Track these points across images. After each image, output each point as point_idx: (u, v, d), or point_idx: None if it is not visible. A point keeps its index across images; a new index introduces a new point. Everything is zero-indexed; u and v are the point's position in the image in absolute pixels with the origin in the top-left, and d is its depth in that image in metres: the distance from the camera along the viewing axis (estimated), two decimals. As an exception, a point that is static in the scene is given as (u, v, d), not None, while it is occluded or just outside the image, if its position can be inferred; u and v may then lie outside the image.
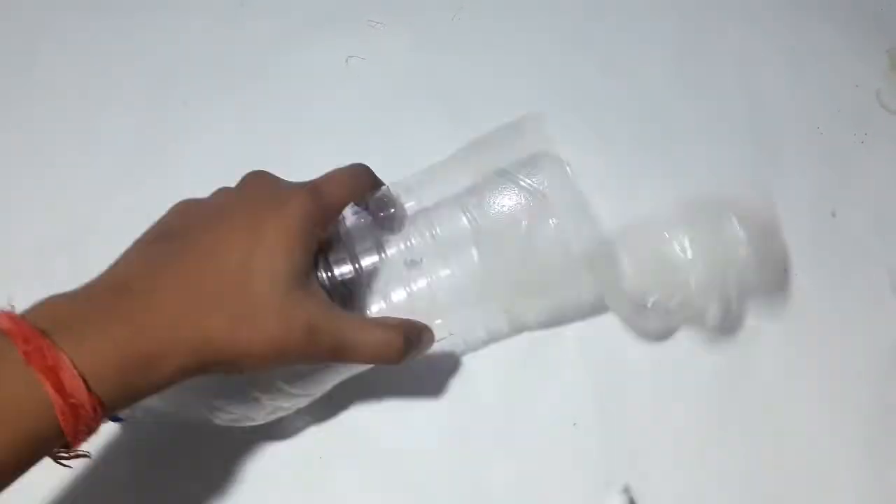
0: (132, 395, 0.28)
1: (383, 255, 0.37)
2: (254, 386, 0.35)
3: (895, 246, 0.47)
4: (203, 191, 0.47)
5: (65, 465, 0.28)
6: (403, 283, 0.37)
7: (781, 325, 0.45)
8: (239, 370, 0.30)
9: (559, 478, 0.41)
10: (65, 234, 0.47)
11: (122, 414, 0.37)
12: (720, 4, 0.53)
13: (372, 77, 0.51)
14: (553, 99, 0.50)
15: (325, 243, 0.36)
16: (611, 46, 0.52)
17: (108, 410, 0.27)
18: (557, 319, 0.43)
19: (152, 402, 0.34)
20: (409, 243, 0.37)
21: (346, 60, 0.51)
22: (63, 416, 0.25)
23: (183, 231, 0.32)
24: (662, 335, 0.43)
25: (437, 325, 0.37)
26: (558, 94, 0.50)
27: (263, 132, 0.50)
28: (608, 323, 0.43)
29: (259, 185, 0.34)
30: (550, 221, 0.36)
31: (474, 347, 0.43)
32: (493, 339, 0.43)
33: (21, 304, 0.46)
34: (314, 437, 0.42)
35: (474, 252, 0.37)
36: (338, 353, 0.31)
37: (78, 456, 0.28)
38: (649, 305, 0.40)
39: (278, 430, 0.41)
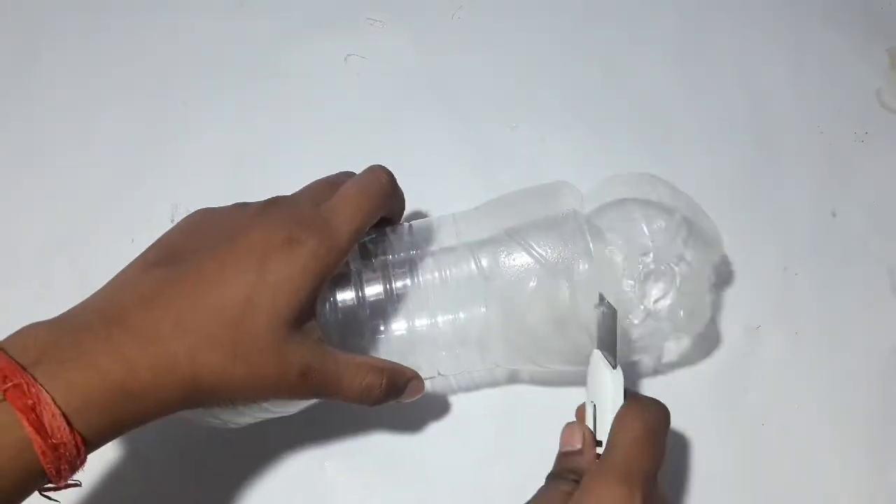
0: (117, 431, 0.27)
1: (389, 288, 0.36)
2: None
3: (895, 246, 0.46)
4: (202, 190, 0.47)
5: (52, 500, 0.27)
6: (406, 319, 0.37)
7: (781, 326, 0.45)
8: (231, 404, 0.30)
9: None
10: (65, 234, 0.47)
11: None
12: (720, 4, 0.53)
13: (371, 76, 0.51)
14: (552, 98, 0.50)
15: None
16: (611, 45, 0.52)
17: (92, 447, 0.26)
18: (551, 380, 0.42)
19: None
20: (416, 280, 0.37)
21: (346, 59, 0.51)
22: (44, 455, 0.24)
23: (189, 254, 0.31)
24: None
25: (428, 365, 0.37)
26: (558, 93, 0.50)
27: (263, 131, 0.50)
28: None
29: (280, 211, 0.33)
30: (562, 290, 0.36)
31: (467, 389, 0.43)
32: (486, 384, 0.43)
33: (21, 305, 0.46)
34: (315, 440, 0.42)
35: (481, 304, 0.37)
36: (325, 392, 0.32)
37: (68, 486, 0.27)
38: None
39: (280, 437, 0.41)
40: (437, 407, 0.42)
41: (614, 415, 0.32)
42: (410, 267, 0.37)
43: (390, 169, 0.38)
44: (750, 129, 0.49)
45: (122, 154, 0.49)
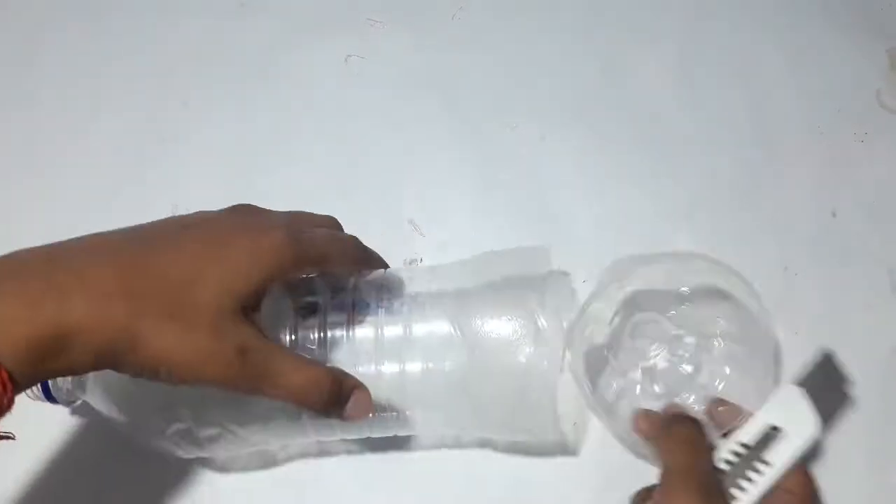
0: (46, 373, 0.26)
1: (353, 328, 0.35)
2: (196, 417, 0.34)
3: (895, 246, 0.46)
4: (202, 190, 0.47)
5: None
6: (373, 360, 0.34)
7: (781, 325, 0.44)
8: (156, 374, 0.28)
9: (559, 479, 0.41)
10: (64, 234, 0.47)
11: (60, 399, 0.36)
12: (720, 4, 0.53)
13: (371, 76, 0.51)
14: (552, 98, 0.50)
15: (297, 289, 0.35)
16: (611, 46, 0.52)
17: (19, 388, 0.25)
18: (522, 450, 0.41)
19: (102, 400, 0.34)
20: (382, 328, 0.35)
21: (346, 59, 0.51)
22: None
23: (149, 233, 0.31)
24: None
25: (397, 415, 0.35)
26: (558, 94, 0.50)
27: (263, 131, 0.50)
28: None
29: (245, 211, 0.33)
30: (540, 359, 0.33)
31: (435, 445, 0.41)
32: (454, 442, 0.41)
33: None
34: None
35: (454, 361, 0.34)
36: (262, 382, 0.30)
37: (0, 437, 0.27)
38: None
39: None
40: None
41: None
42: (370, 313, 0.35)
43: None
44: (750, 129, 0.49)
45: (122, 154, 0.49)
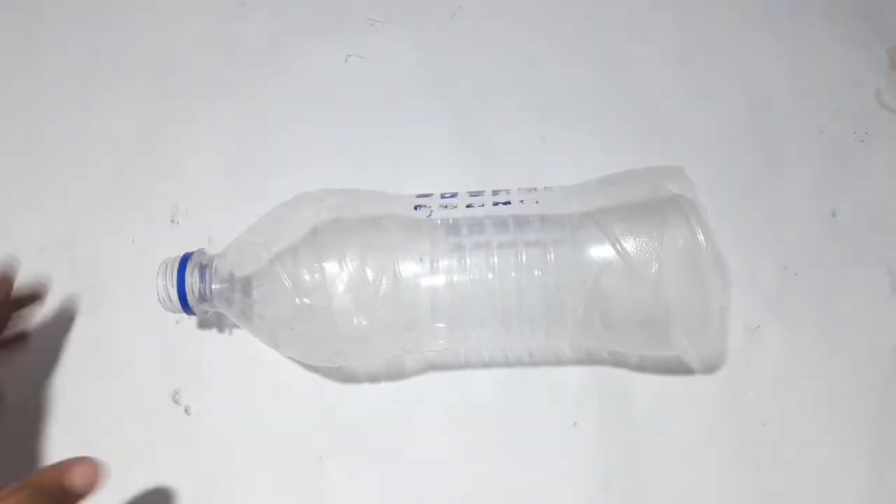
0: None
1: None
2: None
3: (895, 245, 0.46)
4: (202, 190, 0.47)
5: None
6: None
7: (781, 325, 0.44)
8: None
9: (559, 477, 0.41)
10: (65, 233, 0.47)
11: (198, 311, 0.38)
12: (720, 4, 0.53)
13: (371, 76, 0.51)
14: (552, 98, 0.50)
15: None
16: (610, 45, 0.52)
17: None
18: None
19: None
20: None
21: (346, 59, 0.51)
22: None
23: None
24: None
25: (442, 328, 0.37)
26: (557, 94, 0.50)
27: (263, 131, 0.50)
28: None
29: None
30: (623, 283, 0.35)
31: (473, 366, 0.43)
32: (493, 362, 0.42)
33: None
34: (313, 435, 0.42)
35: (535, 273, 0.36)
36: None
37: None
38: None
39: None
40: (435, 406, 0.42)
41: None
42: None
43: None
44: (750, 129, 0.49)
45: (122, 154, 0.49)
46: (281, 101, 0.50)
